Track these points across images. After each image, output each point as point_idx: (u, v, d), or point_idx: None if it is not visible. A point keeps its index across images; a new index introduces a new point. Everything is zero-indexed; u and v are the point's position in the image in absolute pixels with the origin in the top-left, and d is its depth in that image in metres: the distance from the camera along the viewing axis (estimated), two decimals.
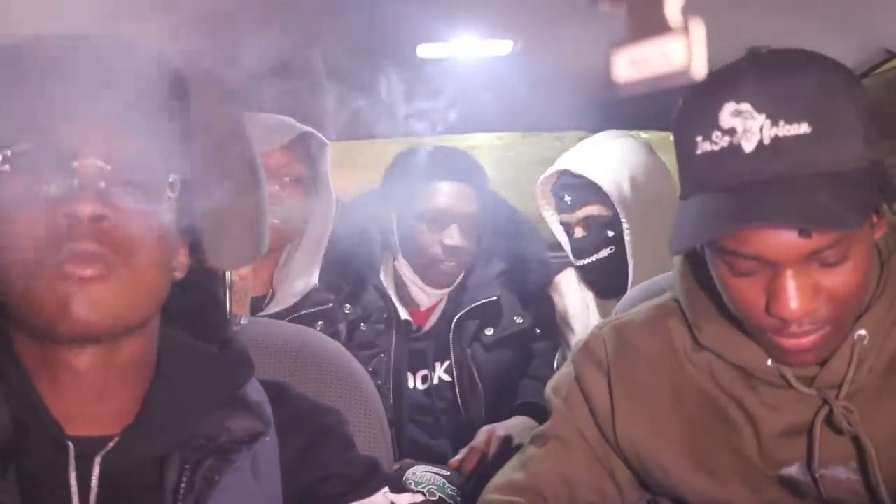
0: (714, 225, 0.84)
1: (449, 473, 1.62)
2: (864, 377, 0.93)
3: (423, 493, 1.54)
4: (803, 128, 0.81)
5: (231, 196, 1.02)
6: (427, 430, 1.86)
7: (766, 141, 0.81)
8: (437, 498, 1.55)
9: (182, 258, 0.83)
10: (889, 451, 0.92)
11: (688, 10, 0.37)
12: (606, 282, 1.86)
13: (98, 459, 0.75)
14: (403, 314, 1.90)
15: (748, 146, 0.82)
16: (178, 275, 0.82)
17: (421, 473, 1.60)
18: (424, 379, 1.90)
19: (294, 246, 1.70)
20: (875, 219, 0.88)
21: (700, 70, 0.35)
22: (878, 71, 1.43)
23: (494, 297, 1.90)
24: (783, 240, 0.83)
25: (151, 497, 0.75)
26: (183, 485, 0.75)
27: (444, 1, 1.35)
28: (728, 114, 0.83)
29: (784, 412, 0.96)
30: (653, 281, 1.30)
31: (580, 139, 1.99)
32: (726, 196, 0.84)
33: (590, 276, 1.90)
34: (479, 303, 1.90)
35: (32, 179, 0.70)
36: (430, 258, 1.85)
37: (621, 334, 1.08)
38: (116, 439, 0.76)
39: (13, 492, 0.70)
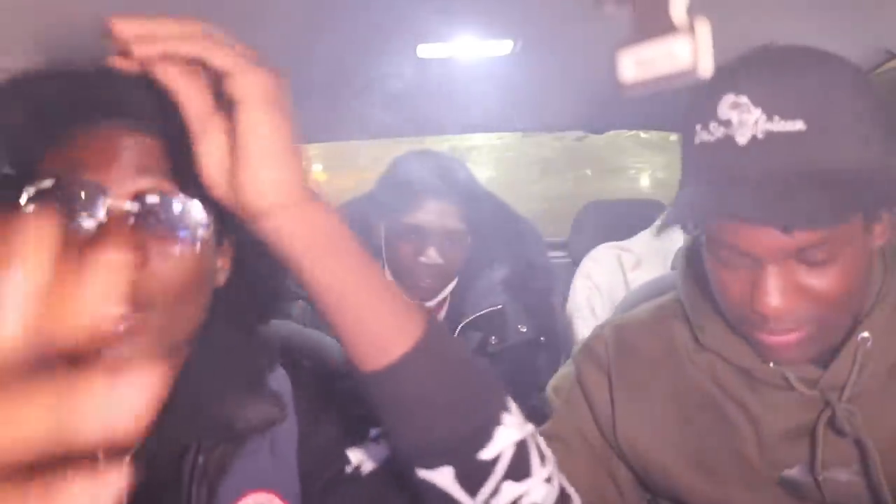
0: (693, 215, 0.86)
1: None
2: (868, 379, 0.92)
3: None
4: (797, 125, 0.81)
5: None
6: None
7: (760, 135, 0.81)
8: None
9: (223, 261, 0.79)
10: (892, 454, 0.91)
11: (689, 10, 0.37)
12: None
13: (126, 460, 0.75)
14: None
15: (742, 139, 0.82)
16: (221, 278, 0.79)
17: None
18: None
19: None
20: (878, 225, 0.88)
21: (703, 71, 0.35)
22: (878, 71, 1.43)
23: (499, 306, 1.88)
24: (766, 235, 0.83)
25: (173, 486, 0.76)
26: (198, 471, 0.75)
27: (444, 1, 1.35)
28: (726, 105, 0.83)
29: (786, 414, 0.96)
30: (654, 281, 1.30)
31: (580, 139, 1.98)
32: (714, 187, 0.84)
33: None
34: (483, 311, 1.87)
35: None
36: (408, 273, 1.84)
37: (623, 334, 1.08)
38: (141, 441, 0.75)
39: None
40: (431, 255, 1.81)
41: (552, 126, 2.49)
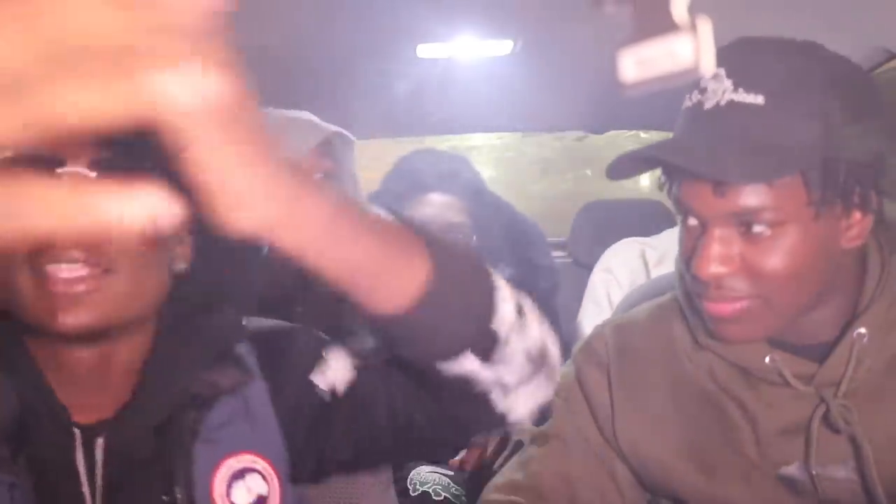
0: (639, 153, 0.91)
1: (453, 473, 1.62)
2: (864, 376, 0.93)
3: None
4: (758, 99, 0.85)
5: None
6: None
7: (722, 103, 0.86)
8: (442, 497, 1.54)
9: (184, 249, 0.82)
10: (887, 451, 0.92)
11: (690, 9, 0.37)
12: None
13: (100, 442, 0.78)
14: None
15: (708, 105, 0.87)
16: (181, 266, 0.82)
17: (426, 473, 1.59)
18: None
19: None
20: (844, 221, 0.88)
21: (705, 70, 0.35)
22: (878, 71, 1.43)
23: None
24: (704, 197, 0.87)
25: (151, 463, 0.78)
26: (174, 442, 0.77)
27: (444, 1, 1.35)
28: (709, 76, 0.87)
29: (782, 410, 0.96)
30: (653, 281, 1.31)
31: (580, 139, 1.97)
32: (662, 142, 0.91)
33: None
34: None
35: None
36: None
37: (622, 334, 1.08)
38: (113, 421, 0.79)
39: (24, 475, 0.73)
40: None
41: (552, 126, 2.49)
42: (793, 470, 0.96)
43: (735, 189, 0.85)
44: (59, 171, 0.71)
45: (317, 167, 1.48)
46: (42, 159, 0.70)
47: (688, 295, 1.02)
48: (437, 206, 1.82)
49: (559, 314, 2.02)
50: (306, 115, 1.51)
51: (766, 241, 0.87)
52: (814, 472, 0.93)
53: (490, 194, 1.95)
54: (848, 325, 0.94)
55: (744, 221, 0.87)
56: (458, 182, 1.85)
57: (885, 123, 0.89)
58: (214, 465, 0.78)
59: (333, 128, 1.49)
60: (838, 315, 0.94)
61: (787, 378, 0.94)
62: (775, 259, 0.87)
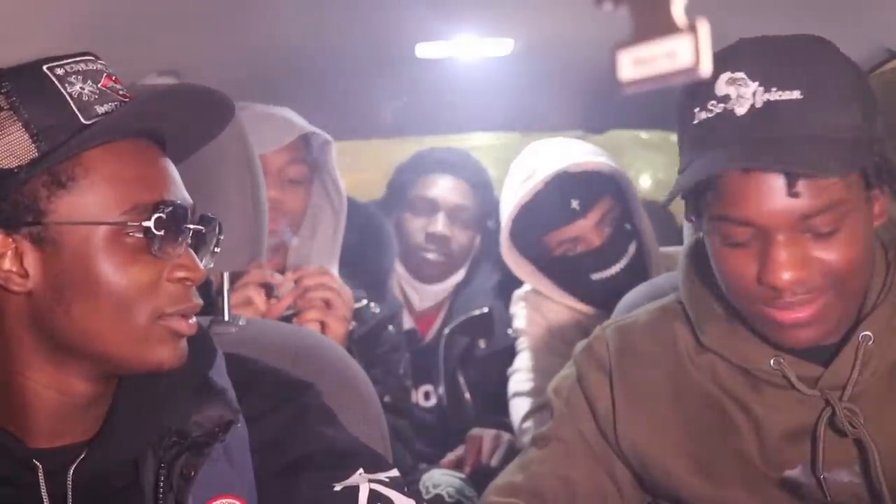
0: (697, 172, 0.87)
1: (464, 476, 1.61)
2: (869, 379, 0.92)
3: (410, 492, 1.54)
4: (795, 94, 0.84)
5: (229, 197, 1.01)
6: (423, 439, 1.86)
7: (759, 105, 0.85)
8: (454, 500, 1.54)
9: None
10: (893, 454, 0.91)
11: (688, 10, 0.37)
12: (632, 283, 1.44)
13: (70, 473, 0.75)
14: (408, 323, 1.89)
15: (740, 110, 0.85)
16: None
17: (438, 476, 1.59)
18: (427, 395, 1.89)
19: (307, 249, 1.59)
20: (876, 192, 0.89)
21: (704, 70, 0.35)
22: (878, 71, 1.42)
23: (486, 310, 1.88)
24: (772, 202, 0.85)
25: (129, 499, 0.76)
26: (161, 484, 0.75)
27: (444, 1, 1.35)
28: (723, 83, 0.86)
29: (787, 413, 0.96)
30: (653, 282, 1.30)
31: (580, 139, 1.95)
32: (720, 149, 0.87)
33: (613, 286, 1.57)
34: (468, 315, 1.88)
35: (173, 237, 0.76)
36: (414, 247, 1.87)
37: (624, 335, 1.08)
38: (88, 448, 0.77)
39: None
40: (438, 224, 1.84)
41: (552, 126, 2.49)
42: (797, 473, 0.95)
43: (808, 188, 0.83)
44: (190, 226, 0.81)
45: (286, 172, 1.47)
46: (187, 206, 0.82)
47: (693, 298, 1.02)
48: (443, 188, 1.87)
49: None
50: (287, 112, 1.50)
51: (833, 238, 0.86)
52: (821, 476, 0.93)
53: (492, 186, 1.97)
54: (853, 328, 0.93)
55: (810, 226, 0.85)
56: (464, 166, 1.90)
57: (884, 119, 0.90)
58: None
59: (310, 127, 1.48)
60: (843, 318, 0.94)
61: (791, 381, 0.94)
62: (844, 252, 0.86)
